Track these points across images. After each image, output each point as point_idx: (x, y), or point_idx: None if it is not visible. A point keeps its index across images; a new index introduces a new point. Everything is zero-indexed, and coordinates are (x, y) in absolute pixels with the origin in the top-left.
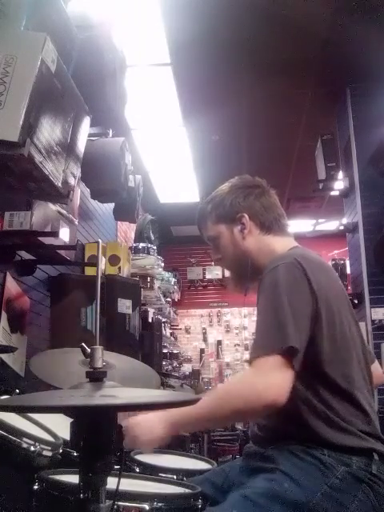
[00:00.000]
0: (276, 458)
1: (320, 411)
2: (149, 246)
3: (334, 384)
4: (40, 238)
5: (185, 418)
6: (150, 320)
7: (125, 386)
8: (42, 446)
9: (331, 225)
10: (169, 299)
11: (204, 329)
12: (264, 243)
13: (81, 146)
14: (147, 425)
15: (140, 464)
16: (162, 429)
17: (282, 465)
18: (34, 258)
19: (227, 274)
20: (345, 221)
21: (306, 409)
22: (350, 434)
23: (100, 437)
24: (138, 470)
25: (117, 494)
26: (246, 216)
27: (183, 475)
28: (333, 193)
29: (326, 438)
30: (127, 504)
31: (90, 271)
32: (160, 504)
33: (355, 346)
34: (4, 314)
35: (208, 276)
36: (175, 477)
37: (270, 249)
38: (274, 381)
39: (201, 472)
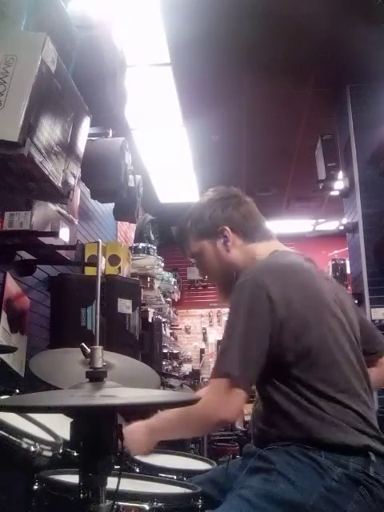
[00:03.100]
0: (273, 458)
1: (311, 409)
2: (149, 246)
3: (315, 389)
4: (40, 238)
5: (158, 425)
6: (150, 320)
7: (125, 386)
8: (42, 446)
9: (331, 225)
10: (169, 299)
11: (204, 329)
12: (249, 252)
13: (81, 146)
14: (132, 435)
15: (140, 464)
16: (145, 435)
17: (278, 465)
18: (34, 257)
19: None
20: (345, 221)
21: (297, 408)
22: (343, 431)
23: (100, 437)
24: (137, 470)
25: (117, 494)
26: (228, 228)
27: (183, 475)
28: (333, 193)
29: (320, 435)
30: (127, 504)
31: (90, 271)
32: (160, 504)
33: (341, 349)
34: (4, 314)
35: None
36: (175, 477)
37: (253, 257)
38: (223, 402)
39: (201, 472)
